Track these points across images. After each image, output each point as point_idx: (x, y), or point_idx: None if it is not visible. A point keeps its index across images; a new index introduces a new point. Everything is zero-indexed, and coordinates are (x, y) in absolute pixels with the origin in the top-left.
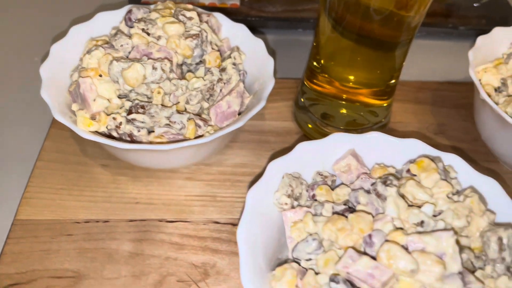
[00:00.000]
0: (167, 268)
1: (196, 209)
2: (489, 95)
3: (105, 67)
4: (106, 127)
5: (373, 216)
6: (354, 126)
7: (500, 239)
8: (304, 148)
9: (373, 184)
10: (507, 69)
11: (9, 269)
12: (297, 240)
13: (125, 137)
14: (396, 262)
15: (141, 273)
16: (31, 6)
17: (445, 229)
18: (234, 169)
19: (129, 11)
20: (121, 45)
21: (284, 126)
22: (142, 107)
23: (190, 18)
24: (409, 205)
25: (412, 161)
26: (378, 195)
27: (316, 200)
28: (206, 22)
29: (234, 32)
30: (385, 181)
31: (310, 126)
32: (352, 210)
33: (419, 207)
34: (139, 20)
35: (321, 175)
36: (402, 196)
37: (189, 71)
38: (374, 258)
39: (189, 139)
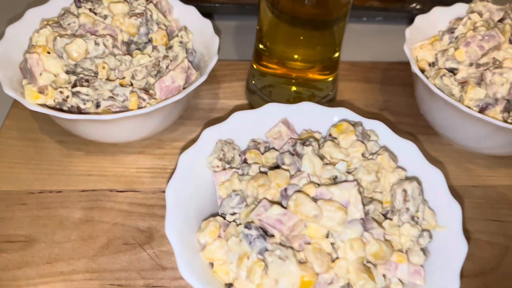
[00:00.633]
0: (114, 233)
1: (146, 180)
2: (424, 70)
3: (52, 44)
4: (54, 100)
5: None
6: (318, 98)
7: (404, 191)
8: (239, 117)
9: (293, 145)
10: (441, 45)
11: None
12: (223, 197)
13: (73, 110)
14: (301, 209)
15: (90, 237)
16: None
17: (349, 181)
18: (186, 143)
19: None
20: (69, 24)
21: (237, 105)
22: (87, 80)
23: None
24: (326, 163)
25: (333, 125)
26: (297, 155)
27: (247, 163)
28: (155, 4)
29: (184, 14)
30: (304, 142)
31: None
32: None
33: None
34: (87, 1)
35: (255, 142)
36: (322, 157)
37: (138, 49)
38: None
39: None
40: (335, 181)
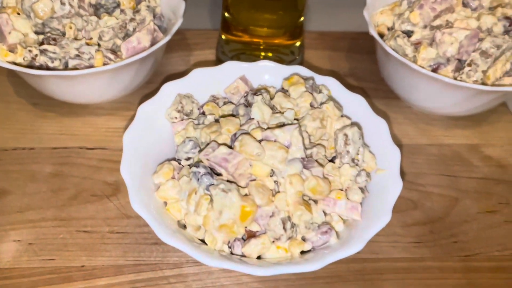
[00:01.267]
0: (83, 186)
1: (115, 139)
2: (384, 35)
3: (21, 4)
4: (23, 59)
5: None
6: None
7: (345, 135)
8: (199, 73)
9: (246, 95)
10: (400, 10)
11: None
12: (178, 143)
13: (43, 69)
14: (246, 149)
15: (59, 189)
16: None
17: (291, 124)
18: None
19: None
20: None
21: None
22: (54, 39)
23: None
24: (276, 112)
25: (285, 78)
26: (249, 104)
27: (204, 114)
28: None
29: None
30: (255, 93)
31: None
32: None
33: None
34: None
35: (214, 97)
36: (273, 107)
37: (107, 12)
38: None
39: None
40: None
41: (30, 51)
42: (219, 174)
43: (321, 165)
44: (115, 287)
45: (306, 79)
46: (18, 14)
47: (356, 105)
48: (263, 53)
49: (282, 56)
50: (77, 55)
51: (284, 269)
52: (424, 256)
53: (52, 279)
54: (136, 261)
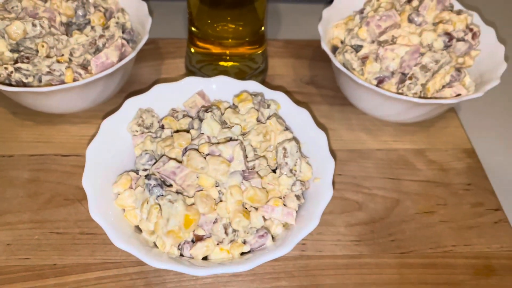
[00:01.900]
0: (57, 190)
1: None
2: (338, 47)
3: None
4: (0, 75)
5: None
6: (241, 75)
7: (284, 148)
8: (159, 88)
9: (198, 111)
10: (353, 25)
11: None
12: (137, 155)
13: (20, 84)
14: (192, 163)
15: (35, 194)
16: None
17: (234, 140)
18: None
19: None
20: (12, 8)
21: (177, 79)
22: (27, 57)
23: None
24: (226, 127)
25: (235, 95)
26: (200, 120)
27: (163, 128)
28: None
29: None
30: (206, 109)
31: None
32: None
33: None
34: None
35: (174, 110)
36: (224, 122)
37: (78, 29)
38: None
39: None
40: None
41: (6, 68)
42: (171, 185)
43: (260, 176)
44: (83, 283)
45: (255, 95)
46: None
47: (301, 118)
48: (229, 63)
49: (248, 64)
50: (49, 72)
51: (217, 269)
52: (362, 253)
53: (27, 276)
54: (103, 260)
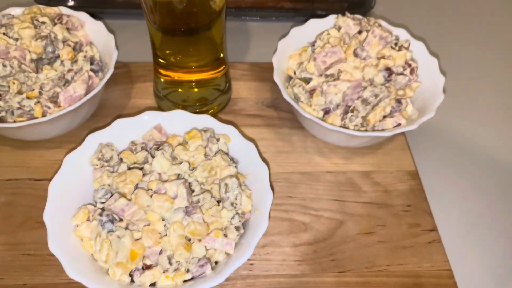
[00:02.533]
0: (29, 214)
1: None
2: (292, 77)
3: None
4: None
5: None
6: (205, 101)
7: (226, 184)
8: (120, 123)
9: (151, 149)
10: (306, 56)
11: None
12: (96, 188)
13: None
14: (139, 201)
15: (10, 216)
16: None
17: (179, 179)
18: None
19: None
20: None
21: (146, 103)
22: (0, 95)
23: (42, 23)
24: (176, 163)
25: (186, 132)
26: (153, 157)
27: (122, 161)
28: (66, 22)
29: (94, 28)
30: (158, 147)
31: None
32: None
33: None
34: (1, 26)
35: (134, 143)
36: (175, 157)
37: (49, 62)
38: None
39: (37, 118)
40: (178, 177)
41: None
42: (122, 219)
43: (202, 212)
44: None
45: (206, 130)
46: None
47: (247, 151)
48: (193, 90)
49: (211, 89)
50: (19, 108)
51: None
52: (304, 272)
53: None
54: (68, 280)
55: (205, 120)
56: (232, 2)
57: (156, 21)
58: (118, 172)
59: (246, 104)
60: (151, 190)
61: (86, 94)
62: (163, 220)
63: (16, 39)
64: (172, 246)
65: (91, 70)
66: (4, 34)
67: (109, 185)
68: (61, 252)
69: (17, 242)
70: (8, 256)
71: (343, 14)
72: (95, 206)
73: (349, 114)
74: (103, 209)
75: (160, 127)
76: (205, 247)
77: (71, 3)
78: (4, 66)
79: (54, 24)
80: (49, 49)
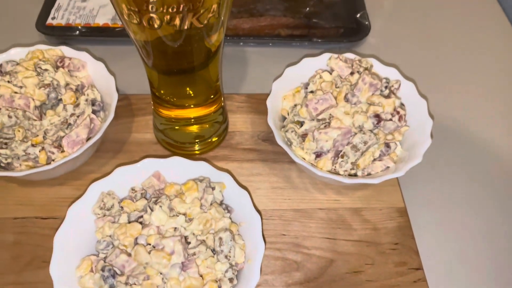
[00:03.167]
0: (36, 253)
1: (64, 208)
2: (286, 117)
3: None
4: None
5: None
6: (205, 134)
7: (220, 238)
8: (121, 171)
9: (150, 201)
10: (299, 97)
11: None
12: (98, 239)
13: (2, 163)
14: (138, 258)
15: (18, 256)
16: None
17: (175, 236)
18: (98, 175)
19: (0, 65)
20: None
21: (146, 138)
22: (6, 143)
23: (45, 70)
24: (174, 215)
25: (183, 184)
26: (152, 209)
27: (122, 209)
28: (68, 64)
29: (95, 69)
30: (155, 201)
31: (171, 148)
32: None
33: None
34: (6, 73)
35: (133, 190)
36: (172, 209)
37: (52, 106)
38: None
39: (42, 164)
40: (175, 230)
41: None
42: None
43: (197, 265)
44: None
45: (202, 180)
46: None
47: (241, 199)
48: (191, 127)
49: (207, 124)
50: (24, 155)
51: None
52: None
53: None
54: None
55: (202, 167)
56: (230, 30)
57: (150, 60)
58: (119, 222)
59: (242, 138)
60: (150, 245)
61: (88, 136)
62: (160, 274)
63: (20, 87)
64: None
65: (92, 111)
66: (8, 82)
67: (110, 236)
68: None
69: (24, 281)
70: None
71: (339, 40)
72: (97, 255)
73: (339, 160)
74: (105, 264)
75: (158, 174)
76: None
77: (72, 32)
78: (10, 117)
79: (57, 68)
80: (52, 95)
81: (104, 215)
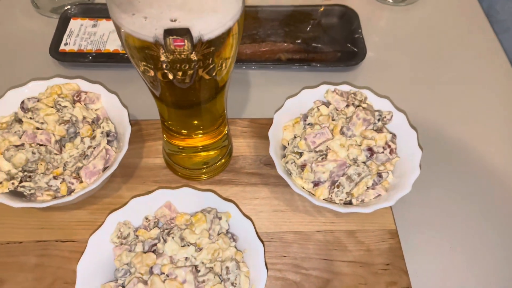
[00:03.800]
0: (58, 275)
1: (81, 231)
2: (286, 146)
3: (2, 149)
4: (8, 189)
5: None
6: (210, 161)
7: (227, 267)
8: (135, 202)
9: (162, 231)
10: (299, 128)
11: None
12: (117, 267)
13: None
14: (154, 286)
15: (40, 278)
16: None
17: (187, 266)
18: (113, 199)
19: (22, 102)
20: (15, 132)
21: (155, 163)
22: (29, 176)
23: (64, 107)
24: (185, 245)
25: (192, 215)
26: (165, 240)
27: (137, 237)
28: (84, 99)
29: (108, 101)
30: (168, 232)
31: (180, 173)
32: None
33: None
34: (28, 110)
35: (147, 219)
36: (183, 239)
37: (70, 139)
38: None
39: (63, 195)
40: (186, 260)
41: (13, 183)
42: None
43: None
44: None
45: (209, 211)
46: (2, 154)
47: (245, 228)
48: (200, 153)
49: (214, 152)
50: (47, 187)
51: None
52: None
53: None
54: None
55: (209, 197)
56: None
57: (159, 96)
58: (135, 251)
59: (246, 162)
60: (164, 274)
61: (104, 166)
62: None
63: (42, 123)
64: None
65: (107, 141)
66: (30, 118)
67: (127, 264)
68: None
69: None
70: None
71: (337, 65)
72: (116, 281)
73: (335, 190)
74: None
75: (169, 204)
76: None
77: (84, 58)
78: (33, 153)
79: (74, 103)
80: (71, 130)
81: (121, 244)
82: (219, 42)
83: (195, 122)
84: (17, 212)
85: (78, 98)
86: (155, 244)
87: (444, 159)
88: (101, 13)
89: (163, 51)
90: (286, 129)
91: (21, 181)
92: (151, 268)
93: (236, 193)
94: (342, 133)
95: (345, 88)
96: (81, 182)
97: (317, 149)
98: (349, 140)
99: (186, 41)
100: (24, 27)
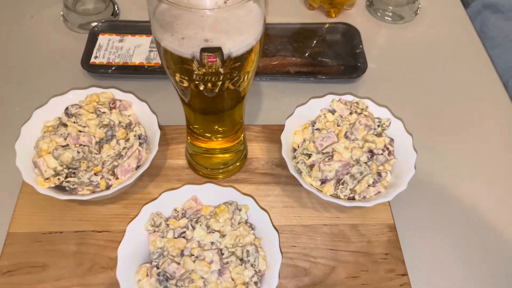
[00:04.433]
0: (95, 260)
1: (115, 223)
2: (296, 149)
3: (51, 149)
4: (54, 184)
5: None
6: (229, 161)
7: (247, 250)
8: (166, 195)
9: (191, 220)
10: (308, 132)
11: (4, 262)
12: (151, 251)
13: (67, 188)
14: (186, 266)
15: (80, 263)
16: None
17: (213, 249)
18: (142, 195)
19: (67, 108)
20: (61, 134)
21: (178, 163)
22: (74, 173)
23: (103, 112)
24: (211, 232)
25: (216, 207)
26: (193, 227)
27: (168, 226)
28: (118, 106)
29: (139, 108)
30: (196, 220)
31: (200, 173)
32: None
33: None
34: (72, 115)
35: (176, 210)
36: (209, 226)
37: (107, 141)
38: None
39: (102, 189)
40: (212, 244)
41: (58, 179)
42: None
43: (230, 272)
44: None
45: (231, 203)
46: (50, 153)
47: (262, 219)
48: (220, 155)
49: (232, 154)
50: (88, 182)
51: None
52: None
53: None
54: None
55: (230, 192)
56: None
57: (186, 101)
58: (167, 237)
59: (259, 164)
60: (193, 255)
61: (136, 165)
62: (202, 278)
63: (84, 126)
64: None
65: (139, 143)
66: (74, 122)
67: (161, 248)
68: None
69: (87, 284)
70: None
71: (340, 77)
72: (151, 263)
73: (340, 186)
74: (159, 270)
75: (196, 198)
76: None
77: (113, 69)
78: (78, 152)
79: (110, 109)
80: (109, 133)
81: (154, 231)
82: (244, 58)
83: (217, 127)
84: (58, 206)
85: (114, 105)
86: (184, 232)
87: (436, 160)
88: (126, 29)
89: (198, 65)
90: (296, 133)
91: (66, 177)
92: (182, 251)
93: (251, 191)
94: (346, 137)
95: (349, 98)
96: (117, 178)
97: (324, 151)
98: (352, 143)
99: (217, 57)
100: (57, 42)
